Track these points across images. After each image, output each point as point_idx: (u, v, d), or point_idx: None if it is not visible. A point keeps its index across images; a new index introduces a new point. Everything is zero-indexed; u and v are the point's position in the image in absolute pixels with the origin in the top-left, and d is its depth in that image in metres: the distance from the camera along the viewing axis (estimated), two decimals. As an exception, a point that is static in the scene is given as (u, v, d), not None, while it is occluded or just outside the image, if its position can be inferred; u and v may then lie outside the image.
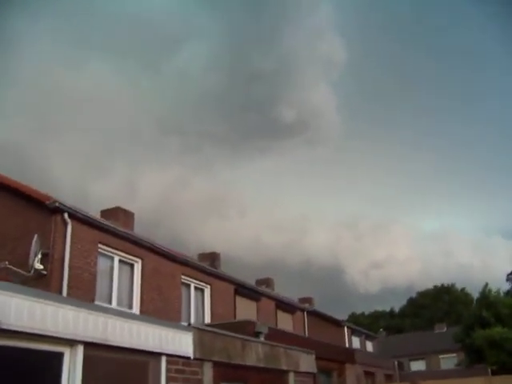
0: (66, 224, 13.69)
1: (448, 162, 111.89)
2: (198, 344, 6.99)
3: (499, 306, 31.08)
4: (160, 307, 16.76)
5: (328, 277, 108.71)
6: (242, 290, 21.57)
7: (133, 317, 6.32)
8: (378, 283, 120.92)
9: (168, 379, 6.47)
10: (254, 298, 22.47)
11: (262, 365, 8.47)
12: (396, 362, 24.61)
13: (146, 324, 6.30)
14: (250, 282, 32.03)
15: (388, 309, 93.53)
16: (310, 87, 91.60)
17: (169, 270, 17.50)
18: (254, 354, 8.33)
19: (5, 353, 4.86)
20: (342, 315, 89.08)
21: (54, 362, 5.27)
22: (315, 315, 32.75)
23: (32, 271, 13.08)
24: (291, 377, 9.40)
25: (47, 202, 13.53)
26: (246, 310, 21.50)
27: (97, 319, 5.60)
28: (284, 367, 9.18)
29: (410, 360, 54.13)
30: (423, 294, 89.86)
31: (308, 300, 40.75)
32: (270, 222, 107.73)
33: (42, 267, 13.09)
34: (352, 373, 17.51)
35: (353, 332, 35.42)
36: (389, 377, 22.63)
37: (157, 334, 6.37)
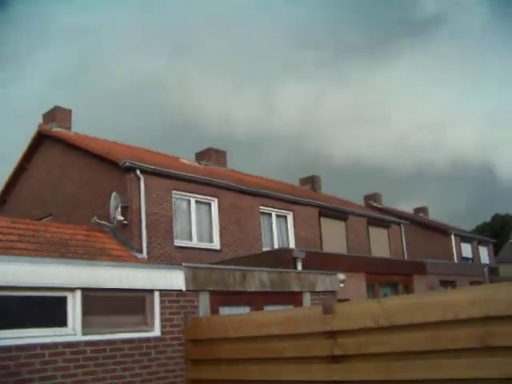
0: (138, 179, 16.12)
1: None
2: (191, 279, 8.85)
3: None
4: (240, 238, 19.00)
5: (478, 176, 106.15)
6: (327, 211, 23.16)
7: (120, 265, 8.40)
8: None
9: (162, 308, 8.51)
10: (341, 217, 23.99)
11: (268, 289, 10.24)
12: (486, 269, 25.10)
13: (134, 269, 8.35)
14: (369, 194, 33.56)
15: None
16: None
17: (246, 204, 19.56)
18: (258, 281, 10.09)
19: (26, 299, 7.18)
20: (486, 217, 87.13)
21: (61, 304, 7.52)
22: (417, 226, 33.73)
23: (115, 222, 15.77)
24: (306, 296, 11.06)
25: (120, 163, 16.00)
26: (332, 230, 23.19)
27: (88, 270, 7.74)
28: (296, 289, 10.90)
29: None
30: None
31: (422, 210, 41.59)
32: (415, 122, 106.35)
33: (122, 218, 15.71)
34: (422, 283, 18.69)
35: (462, 239, 35.81)
36: (476, 283, 23.38)
37: (146, 275, 8.38)
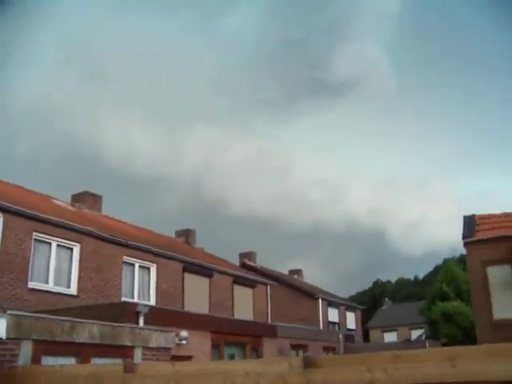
0: (-2, 217, 16.11)
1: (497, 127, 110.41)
2: (14, 327, 9.13)
3: (460, 281, 32.67)
4: (99, 285, 19.15)
5: (370, 240, 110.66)
6: (191, 266, 23.75)
7: None
8: (421, 246, 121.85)
9: (-22, 356, 8.70)
10: (206, 274, 24.64)
11: (98, 342, 10.60)
12: (341, 335, 26.52)
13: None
14: (230, 255, 34.43)
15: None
16: (362, 43, 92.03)
17: (109, 252, 19.80)
18: (88, 333, 10.48)
19: None
20: (367, 282, 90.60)
21: None
22: (287, 288, 35.04)
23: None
24: (138, 351, 11.50)
25: (-21, 199, 15.95)
26: (196, 286, 23.75)
27: None
28: (128, 343, 11.31)
29: (411, 329, 56.07)
30: (448, 261, 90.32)
31: (297, 272, 43.16)
32: (315, 180, 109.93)
33: (-26, 255, 15.59)
34: (272, 346, 19.55)
35: (329, 304, 37.43)
36: (330, 349, 24.64)
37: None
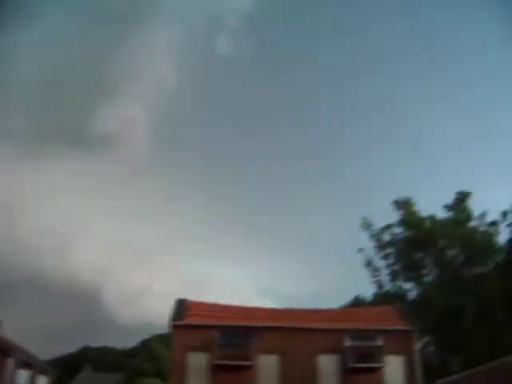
0: None
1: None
2: None
3: (162, 359, 32.90)
4: None
5: (89, 301, 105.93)
6: None
7: None
8: (137, 316, 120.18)
9: None
10: None
11: None
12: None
13: None
14: None
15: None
16: (126, 104, 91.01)
17: None
18: None
19: None
20: (76, 345, 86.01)
21: None
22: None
23: None
24: None
25: None
26: None
27: None
28: None
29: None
30: (156, 338, 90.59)
31: (-4, 323, 39.25)
32: (43, 229, 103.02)
33: None
34: None
35: (21, 364, 34.45)
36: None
37: None
